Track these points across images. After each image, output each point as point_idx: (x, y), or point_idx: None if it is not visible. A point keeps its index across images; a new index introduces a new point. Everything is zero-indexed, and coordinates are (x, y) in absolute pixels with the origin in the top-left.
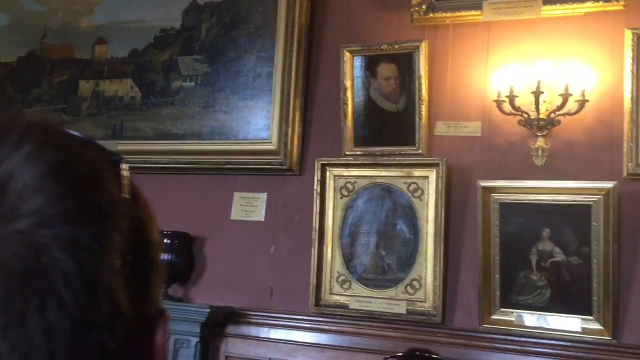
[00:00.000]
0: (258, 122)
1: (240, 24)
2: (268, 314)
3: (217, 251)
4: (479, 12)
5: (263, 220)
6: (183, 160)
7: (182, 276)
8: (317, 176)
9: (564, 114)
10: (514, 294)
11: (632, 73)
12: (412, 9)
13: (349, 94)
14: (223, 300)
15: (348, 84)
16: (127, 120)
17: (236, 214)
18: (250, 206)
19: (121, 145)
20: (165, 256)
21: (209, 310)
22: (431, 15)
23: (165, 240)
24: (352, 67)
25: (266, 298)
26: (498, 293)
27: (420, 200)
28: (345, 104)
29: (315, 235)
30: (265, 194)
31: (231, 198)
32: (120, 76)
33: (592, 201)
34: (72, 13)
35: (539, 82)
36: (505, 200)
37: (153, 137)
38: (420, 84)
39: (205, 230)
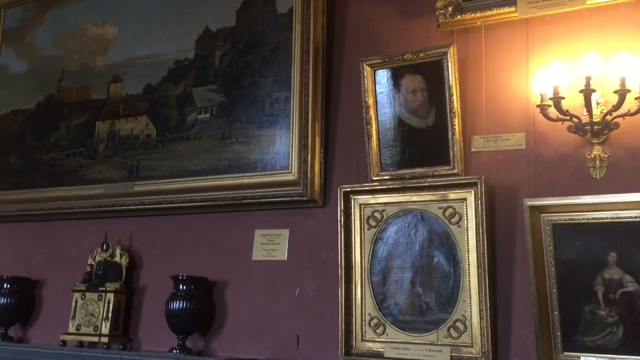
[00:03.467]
0: (277, 151)
1: (255, 48)
2: None
3: (238, 296)
4: (513, 9)
5: (286, 259)
6: (198, 198)
7: (202, 325)
8: (340, 206)
9: (622, 115)
10: (579, 334)
11: None
12: (437, 13)
13: (372, 112)
14: (246, 352)
15: (370, 101)
16: (143, 160)
17: (257, 253)
18: (272, 244)
19: (138, 187)
20: (182, 304)
21: None
22: (459, 17)
23: (181, 287)
24: (373, 82)
25: (292, 347)
26: (559, 333)
27: (459, 226)
28: (369, 123)
29: (341, 272)
30: (288, 230)
31: (251, 236)
32: (135, 114)
33: None
34: (88, 53)
35: (588, 79)
36: (560, 221)
37: (169, 175)
38: (451, 95)
39: (226, 273)
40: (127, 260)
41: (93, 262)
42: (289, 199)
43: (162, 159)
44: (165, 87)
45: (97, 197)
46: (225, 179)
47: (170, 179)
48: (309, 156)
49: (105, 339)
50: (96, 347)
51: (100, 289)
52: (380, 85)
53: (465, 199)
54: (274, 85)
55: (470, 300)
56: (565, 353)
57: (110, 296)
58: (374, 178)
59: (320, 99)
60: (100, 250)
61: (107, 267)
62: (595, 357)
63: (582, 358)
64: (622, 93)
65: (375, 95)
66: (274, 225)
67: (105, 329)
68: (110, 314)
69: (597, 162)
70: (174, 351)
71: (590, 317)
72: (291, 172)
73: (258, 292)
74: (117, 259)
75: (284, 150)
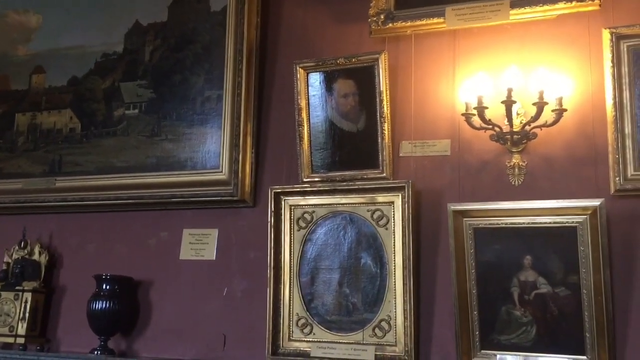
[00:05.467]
0: (208, 150)
1: (186, 45)
2: None
3: (164, 296)
4: (442, 20)
5: (214, 259)
6: (124, 196)
7: (126, 326)
8: (270, 206)
9: (540, 126)
10: (495, 333)
11: (613, 77)
12: (369, 20)
13: (304, 114)
14: (171, 352)
15: (303, 103)
16: (66, 155)
17: (185, 253)
18: (200, 244)
19: (60, 182)
20: (105, 304)
21: None
22: (391, 25)
23: (104, 286)
24: (306, 85)
25: (219, 347)
26: (477, 332)
27: (386, 229)
28: (301, 125)
29: (270, 273)
30: (217, 229)
31: (179, 236)
32: (59, 107)
33: (577, 222)
34: (8, 41)
35: (509, 90)
36: (480, 225)
37: (94, 171)
38: (381, 100)
39: (151, 273)
40: (47, 258)
41: (10, 260)
42: (219, 198)
43: (87, 155)
44: (91, 80)
45: (16, 192)
46: (153, 176)
47: (95, 175)
48: (240, 156)
49: (21, 340)
50: (12, 348)
51: (17, 288)
52: (313, 88)
53: (392, 202)
54: (206, 83)
55: (395, 300)
56: (482, 351)
57: (28, 295)
58: (305, 180)
59: (253, 99)
60: (17, 247)
61: (24, 265)
62: (510, 354)
63: (498, 356)
64: (540, 105)
65: (308, 98)
66: (203, 224)
67: (21, 329)
68: (27, 314)
69: (516, 169)
70: (96, 352)
71: (506, 317)
72: (222, 172)
73: (185, 292)
74: (36, 257)
75: (215, 150)
